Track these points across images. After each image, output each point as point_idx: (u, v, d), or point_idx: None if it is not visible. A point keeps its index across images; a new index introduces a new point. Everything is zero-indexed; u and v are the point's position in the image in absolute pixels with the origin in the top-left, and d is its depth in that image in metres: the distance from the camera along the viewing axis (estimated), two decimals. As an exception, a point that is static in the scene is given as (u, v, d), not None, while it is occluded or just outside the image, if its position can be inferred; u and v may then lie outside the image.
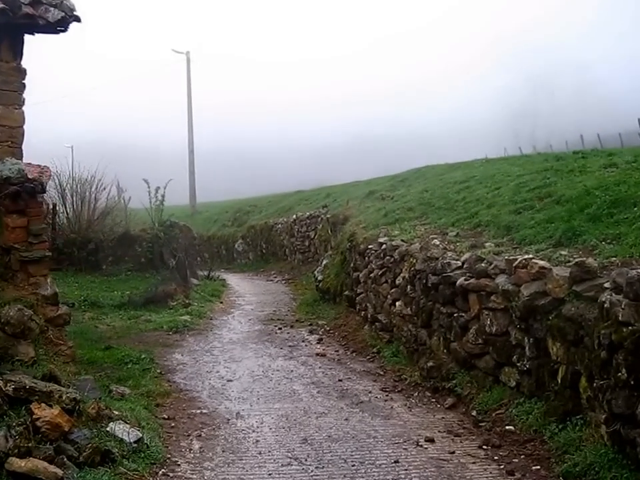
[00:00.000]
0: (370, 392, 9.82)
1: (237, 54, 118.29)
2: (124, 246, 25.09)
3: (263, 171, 56.39)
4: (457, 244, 10.97)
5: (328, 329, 14.70)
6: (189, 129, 47.21)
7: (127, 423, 7.28)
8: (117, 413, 7.58)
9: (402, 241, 12.15)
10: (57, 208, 26.59)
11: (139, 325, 15.47)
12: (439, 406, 9.06)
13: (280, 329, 15.21)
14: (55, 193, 27.41)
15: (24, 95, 10.19)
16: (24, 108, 10.22)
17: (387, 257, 12.32)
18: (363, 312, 13.76)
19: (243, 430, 8.25)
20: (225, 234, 38.08)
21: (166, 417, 8.69)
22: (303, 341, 13.72)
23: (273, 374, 11.03)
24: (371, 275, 13.18)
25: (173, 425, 8.41)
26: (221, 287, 23.52)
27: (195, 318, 16.29)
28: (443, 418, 8.58)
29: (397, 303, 11.72)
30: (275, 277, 27.48)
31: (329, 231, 22.17)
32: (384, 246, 12.60)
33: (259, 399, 9.59)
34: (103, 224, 26.98)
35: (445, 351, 9.76)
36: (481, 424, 8.13)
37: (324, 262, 18.57)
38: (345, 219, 18.73)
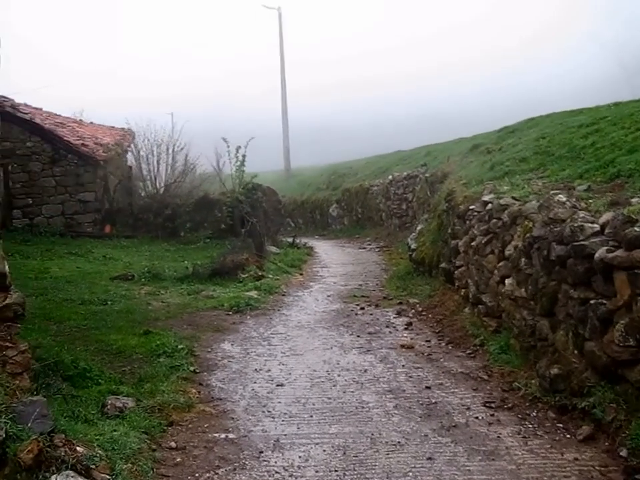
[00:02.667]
0: (468, 408, 6.99)
1: (330, 11, 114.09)
2: (203, 211, 23.06)
3: (362, 137, 53.24)
4: (590, 201, 7.94)
5: (420, 309, 11.89)
6: (282, 89, 44.77)
7: (85, 473, 4.74)
8: (81, 450, 5.04)
9: (513, 198, 9.17)
10: (132, 171, 24.69)
11: (198, 301, 13.20)
12: (568, 436, 6.15)
13: (362, 308, 12.52)
14: (131, 155, 25.56)
15: None
16: None
17: (494, 220, 9.38)
18: (463, 290, 10.87)
19: (277, 473, 5.60)
20: (319, 198, 35.56)
21: (173, 445, 6.12)
22: (387, 326, 10.98)
23: (339, 375, 8.34)
24: (473, 243, 10.24)
25: (177, 460, 5.84)
26: (305, 255, 21.04)
27: (264, 294, 13.87)
28: (576, 460, 5.67)
29: (507, 281, 8.78)
30: (369, 244, 24.79)
31: (428, 192, 19.26)
32: (489, 205, 9.65)
33: (312, 415, 6.92)
34: (181, 188, 24.98)
35: (575, 352, 6.79)
36: (637, 472, 5.24)
37: (418, 227, 15.71)
38: (444, 176, 15.76)
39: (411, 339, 10.02)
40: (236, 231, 19.61)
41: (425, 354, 9.17)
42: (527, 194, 9.16)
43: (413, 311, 11.85)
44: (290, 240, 23.26)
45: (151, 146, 25.19)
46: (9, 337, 5.45)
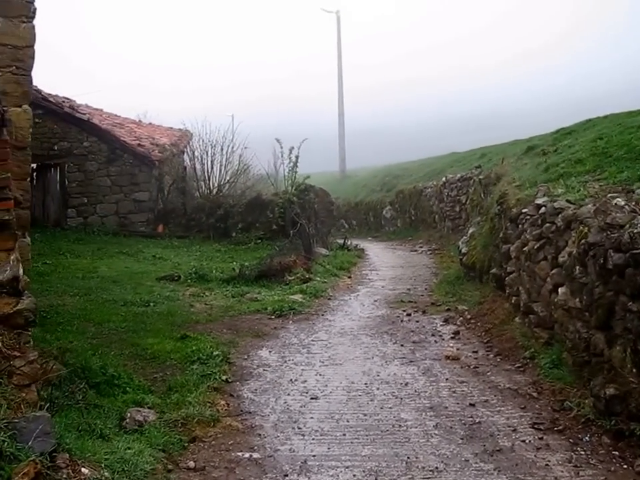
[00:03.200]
0: (514, 430, 6.46)
1: (389, 15, 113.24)
2: (255, 212, 22.75)
3: (416, 139, 52.51)
4: (652, 206, 7.35)
5: (468, 317, 11.34)
6: (339, 90, 44.39)
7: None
8: (85, 471, 4.69)
9: (568, 201, 8.58)
10: (187, 171, 24.57)
11: (241, 304, 12.90)
12: (624, 466, 5.58)
13: (408, 315, 12.03)
14: (186, 155, 25.48)
15: (35, 4, 7.38)
16: (35, 21, 7.41)
17: (547, 224, 8.80)
18: (514, 298, 10.28)
19: (300, 500, 5.18)
20: (372, 200, 35.05)
21: (192, 465, 5.72)
22: (433, 335, 10.47)
23: (378, 388, 7.87)
24: (525, 248, 9.65)
25: (194, 483, 5.46)
26: (355, 258, 20.59)
27: (309, 297, 13.51)
28: (633, 495, 5.14)
29: (560, 290, 8.19)
30: (421, 247, 24.21)
31: (481, 194, 18.59)
32: (542, 209, 9.07)
33: (344, 434, 6.47)
34: (234, 188, 24.75)
35: (634, 370, 6.21)
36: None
37: (470, 231, 15.12)
38: (497, 178, 15.12)
39: (457, 349, 9.49)
40: (287, 232, 19.32)
41: (471, 366, 8.65)
42: (582, 197, 8.56)
43: (461, 318, 11.32)
44: (341, 242, 22.83)
45: (206, 146, 25.00)
46: (17, 346, 5.12)
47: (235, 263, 17.31)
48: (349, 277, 16.90)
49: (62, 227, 22.42)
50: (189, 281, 15.07)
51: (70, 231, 22.16)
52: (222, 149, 24.54)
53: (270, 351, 9.64)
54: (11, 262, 5.28)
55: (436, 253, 21.86)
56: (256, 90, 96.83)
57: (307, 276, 15.42)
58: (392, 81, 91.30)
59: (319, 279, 15.74)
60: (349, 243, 22.88)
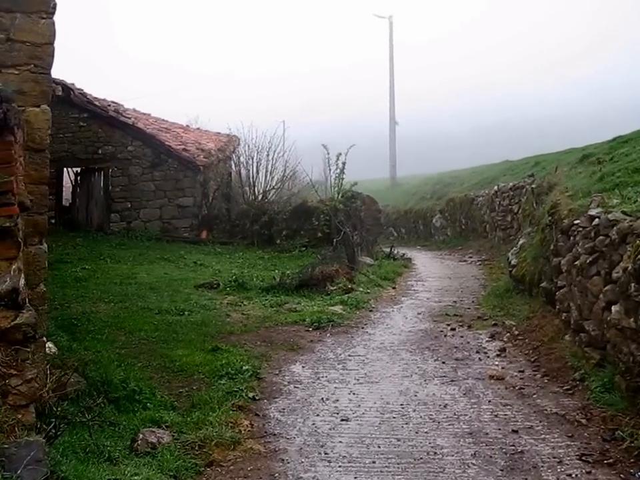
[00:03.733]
0: (560, 461, 5.88)
1: (442, 21, 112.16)
2: (300, 219, 22.39)
3: (468, 145, 51.67)
4: None
5: (516, 333, 10.72)
6: (390, 96, 43.77)
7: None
8: (83, 504, 4.27)
9: (623, 213, 7.95)
10: (232, 177, 24.29)
11: (279, 315, 12.50)
12: (682, 509, 5.01)
13: (453, 329, 11.46)
14: (232, 161, 25.22)
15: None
16: (55, 17, 7.04)
17: (600, 237, 8.16)
18: (564, 314, 9.64)
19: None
20: (422, 208, 34.38)
21: (204, 495, 5.29)
22: (478, 351, 9.89)
23: (414, 410, 7.35)
24: (576, 262, 9.01)
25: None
26: (402, 267, 20.01)
27: (349, 309, 13.05)
28: None
29: (613, 308, 7.55)
30: (471, 257, 23.51)
31: (533, 204, 17.90)
32: (596, 221, 8.44)
33: (374, 461, 5.96)
34: (279, 194, 24.41)
35: (694, 400, 5.60)
36: None
37: (520, 241, 14.46)
38: (550, 187, 14.45)
39: (503, 368, 8.92)
40: (332, 240, 18.82)
41: (517, 387, 8.07)
42: (639, 208, 7.94)
43: (508, 334, 10.71)
44: (388, 250, 22.27)
45: (251, 152, 24.72)
46: (14, 363, 4.73)
47: (276, 271, 16.92)
48: (393, 288, 16.36)
49: (105, 232, 22.30)
50: (227, 289, 14.73)
51: (113, 236, 22.04)
52: (267, 155, 24.22)
53: (303, 366, 9.19)
54: (12, 272, 4.89)
55: (485, 263, 21.17)
56: (307, 96, 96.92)
57: (350, 286, 14.94)
58: (444, 85, 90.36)
59: (361, 289, 15.25)
60: (395, 252, 22.28)
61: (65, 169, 23.14)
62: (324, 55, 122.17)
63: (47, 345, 9.01)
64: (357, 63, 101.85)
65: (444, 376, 8.61)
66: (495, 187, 24.77)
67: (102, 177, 22.90)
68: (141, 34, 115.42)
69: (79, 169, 23.14)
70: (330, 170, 21.48)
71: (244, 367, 8.72)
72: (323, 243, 20.14)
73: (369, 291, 15.26)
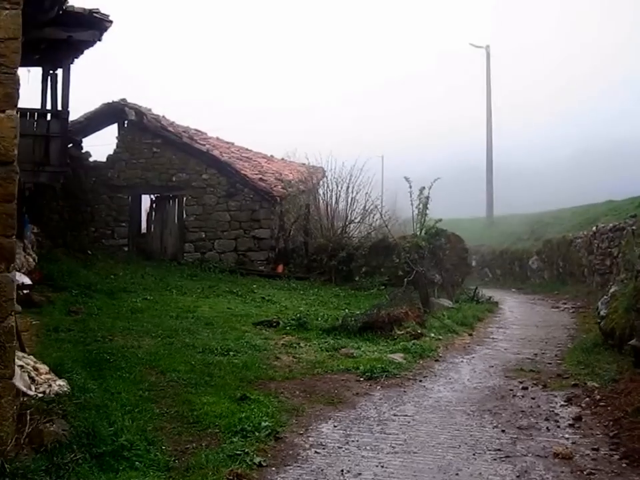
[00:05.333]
0: None
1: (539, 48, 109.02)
2: (380, 255, 21.22)
3: (568, 180, 49.26)
4: None
5: (597, 397, 9.10)
6: (488, 131, 42.05)
7: None
8: None
9: None
10: (309, 209, 23.25)
11: (333, 360, 11.39)
12: None
13: (525, 388, 9.94)
14: (309, 194, 24.20)
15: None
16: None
17: None
18: (654, 380, 8.06)
19: None
20: (518, 248, 32.59)
21: None
22: (547, 419, 8.34)
23: (450, 495, 5.95)
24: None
25: None
26: (485, 312, 18.49)
27: (411, 357, 11.74)
28: None
29: None
30: (565, 303, 21.68)
31: (634, 247, 16.13)
32: None
33: None
34: (359, 229, 23.25)
35: None
36: None
37: (612, 289, 12.76)
38: (650, 228, 12.80)
39: (573, 443, 7.37)
40: (414, 279, 17.47)
41: (585, 472, 6.51)
42: None
43: (588, 399, 9.09)
44: (478, 293, 20.70)
45: (330, 184, 23.69)
46: None
47: (347, 311, 15.73)
48: (470, 335, 14.86)
49: (178, 262, 21.64)
50: (287, 328, 13.71)
51: (186, 266, 21.36)
52: (347, 188, 23.09)
53: (335, 425, 7.88)
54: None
55: (580, 311, 19.36)
56: (403, 127, 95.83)
57: (419, 331, 13.56)
58: (544, 115, 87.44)
59: (433, 334, 13.85)
60: (481, 294, 20.69)
61: (141, 195, 22.62)
62: (423, 89, 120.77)
63: (58, 383, 8.11)
64: (453, 95, 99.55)
65: (499, 449, 7.13)
66: (594, 228, 22.92)
67: (176, 205, 22.31)
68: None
69: (153, 197, 22.58)
70: (412, 205, 20.18)
71: (263, 423, 7.51)
72: (409, 281, 18.81)
73: (440, 337, 13.85)
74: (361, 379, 10.20)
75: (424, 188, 19.89)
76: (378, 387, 9.79)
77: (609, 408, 8.57)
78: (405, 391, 9.63)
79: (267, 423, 7.54)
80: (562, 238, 27.50)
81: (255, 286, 19.57)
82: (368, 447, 7.14)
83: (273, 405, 8.48)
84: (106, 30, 15.37)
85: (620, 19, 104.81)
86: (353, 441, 7.32)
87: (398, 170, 21.72)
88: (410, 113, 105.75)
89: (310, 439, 7.36)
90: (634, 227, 17.20)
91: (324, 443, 7.22)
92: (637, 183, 30.52)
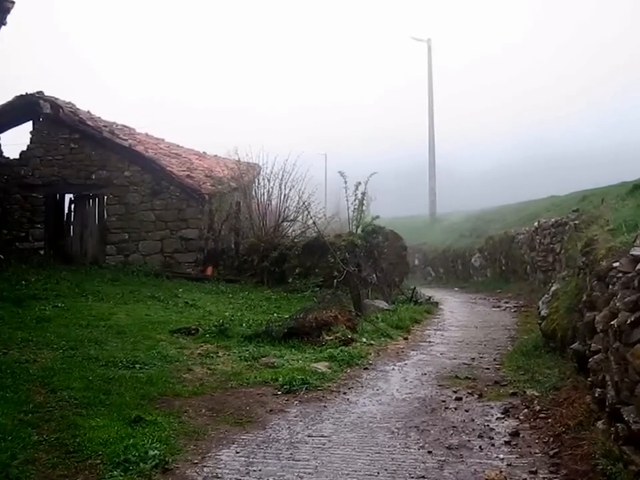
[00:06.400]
0: None
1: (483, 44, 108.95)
2: (314, 255, 20.09)
3: (512, 179, 48.89)
4: None
5: (537, 408, 8.16)
6: (429, 125, 41.35)
7: None
8: None
9: (682, 253, 5.49)
10: (240, 207, 22.09)
11: (252, 371, 10.34)
12: None
13: (459, 399, 8.98)
14: (242, 191, 23.04)
15: None
16: None
17: None
18: (598, 390, 7.07)
19: None
20: (461, 246, 31.97)
21: None
22: (481, 436, 7.34)
23: (357, 542, 4.91)
24: (614, 321, 6.47)
25: None
26: (423, 313, 17.58)
27: (337, 366, 10.74)
28: None
29: (666, 395, 5.08)
30: (507, 302, 20.96)
31: (576, 243, 15.38)
32: None
33: None
34: (292, 228, 22.20)
35: None
36: None
37: (553, 288, 11.91)
38: (591, 222, 11.94)
39: (509, 465, 6.39)
40: (349, 280, 16.48)
41: (521, 503, 5.55)
42: None
43: (527, 410, 8.15)
44: (415, 294, 19.78)
45: (263, 181, 22.57)
46: None
47: (275, 315, 14.70)
48: (405, 339, 13.89)
49: (100, 265, 20.29)
50: (207, 335, 12.65)
51: (107, 270, 20.04)
52: (280, 184, 22.00)
53: (238, 451, 6.79)
54: None
55: (522, 310, 18.61)
56: (345, 126, 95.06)
57: (349, 336, 12.57)
58: (486, 114, 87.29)
59: (364, 339, 12.87)
60: (419, 294, 19.78)
61: (59, 195, 21.20)
62: (361, 83, 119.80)
63: None
64: (396, 89, 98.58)
65: (422, 476, 6.11)
66: (535, 223, 22.25)
67: (97, 205, 20.94)
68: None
69: (71, 196, 21.19)
70: (348, 201, 19.24)
71: (151, 452, 6.40)
72: (341, 282, 17.83)
73: (372, 342, 12.88)
74: (279, 393, 9.16)
75: (360, 184, 19.03)
76: (295, 402, 8.74)
77: (549, 420, 7.63)
78: (325, 406, 8.59)
79: (155, 452, 6.42)
80: (504, 234, 26.89)
81: (180, 290, 18.43)
82: (271, 478, 6.06)
83: (172, 427, 7.40)
84: (8, 12, 14.02)
85: (566, 16, 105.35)
86: (254, 471, 6.24)
87: (345, 168, 20.79)
88: (359, 109, 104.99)
89: (205, 469, 6.26)
90: (576, 222, 16.45)
91: (220, 475, 6.13)
92: (580, 180, 30.10)
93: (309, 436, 7.34)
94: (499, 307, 20.11)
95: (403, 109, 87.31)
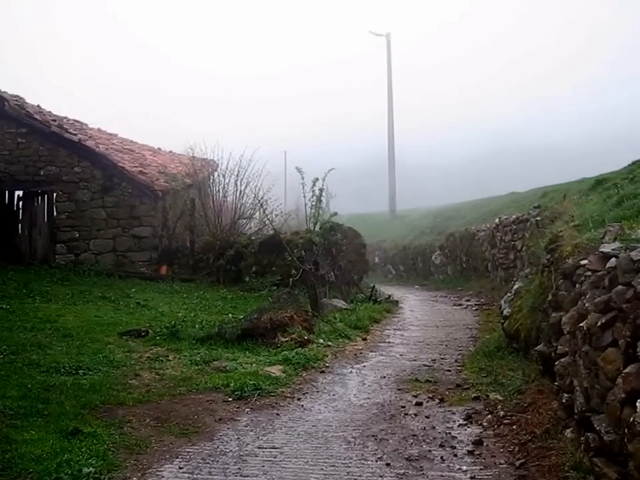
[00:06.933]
0: None
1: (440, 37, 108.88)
2: (271, 253, 19.60)
3: (472, 175, 48.86)
4: None
5: (501, 414, 7.76)
6: (389, 121, 40.93)
7: None
8: None
9: (656, 250, 5.10)
10: (195, 204, 21.50)
11: (202, 376, 9.87)
12: None
13: (419, 404, 8.56)
14: (198, 188, 22.41)
15: None
16: None
17: (619, 287, 5.23)
18: (566, 395, 6.68)
19: None
20: (421, 243, 31.62)
21: None
22: (443, 445, 6.90)
23: None
24: (583, 323, 6.07)
25: None
26: (383, 312, 17.15)
27: (292, 369, 10.29)
28: None
29: (639, 403, 4.66)
30: (468, 300, 20.62)
31: (538, 239, 15.10)
32: (612, 261, 5.51)
33: None
34: (249, 225, 21.68)
35: None
36: None
37: (515, 286, 11.55)
38: (554, 218, 11.60)
39: (472, 478, 5.96)
40: (307, 278, 15.98)
41: (486, 522, 5.12)
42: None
43: (490, 416, 7.74)
44: (375, 292, 19.34)
45: (219, 177, 22.01)
46: None
47: (230, 315, 14.20)
48: (364, 339, 13.45)
49: (49, 265, 19.53)
50: (157, 338, 12.14)
51: (57, 270, 19.33)
52: (237, 180, 21.46)
53: (181, 467, 6.27)
54: None
55: (483, 308, 18.28)
56: (305, 121, 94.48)
57: (306, 337, 12.11)
58: (447, 109, 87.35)
59: (321, 340, 12.41)
60: (379, 293, 19.36)
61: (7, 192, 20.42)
62: (321, 76, 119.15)
63: None
64: (357, 85, 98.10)
65: (381, 495, 5.68)
66: (497, 220, 21.94)
67: (46, 202, 20.17)
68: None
69: (20, 193, 20.42)
70: (305, 197, 18.74)
71: (85, 469, 5.87)
72: (297, 280, 17.34)
73: (330, 343, 12.42)
74: (230, 399, 8.68)
75: (317, 180, 18.52)
76: (247, 410, 8.25)
77: (514, 427, 7.23)
78: (277, 414, 8.11)
79: (90, 469, 5.89)
80: (465, 231, 26.60)
81: (133, 290, 17.84)
82: (210, 499, 5.58)
83: (112, 439, 6.87)
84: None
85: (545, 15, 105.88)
86: (191, 490, 5.74)
87: (306, 165, 20.23)
88: (320, 105, 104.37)
89: (134, 494, 5.75)
90: (538, 218, 16.16)
91: (154, 496, 5.63)
92: (541, 175, 30.01)
93: (259, 448, 6.85)
94: (460, 305, 19.77)
95: (366, 104, 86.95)
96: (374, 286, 19.84)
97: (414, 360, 11.49)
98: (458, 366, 10.87)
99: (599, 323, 5.45)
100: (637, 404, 4.62)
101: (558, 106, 77.66)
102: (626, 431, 4.81)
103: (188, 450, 6.76)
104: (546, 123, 65.57)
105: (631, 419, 4.70)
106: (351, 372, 10.53)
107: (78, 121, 23.70)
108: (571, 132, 56.34)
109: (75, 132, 20.75)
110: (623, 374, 4.90)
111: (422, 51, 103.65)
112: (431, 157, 60.49)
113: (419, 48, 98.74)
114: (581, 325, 5.95)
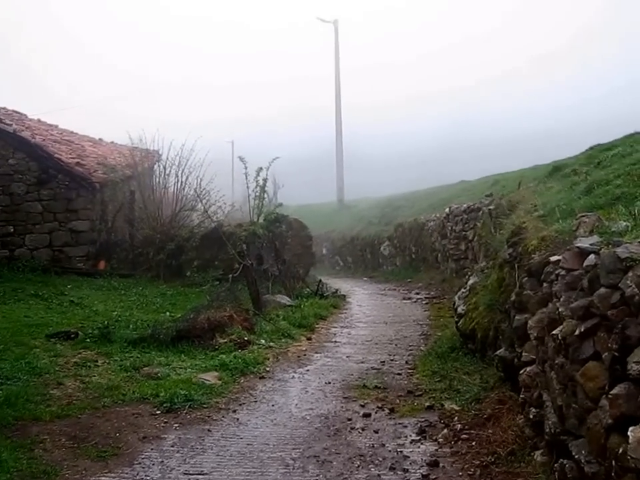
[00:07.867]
0: None
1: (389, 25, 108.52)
2: (213, 247, 18.67)
3: (421, 165, 48.41)
4: None
5: (458, 427, 6.97)
6: (337, 111, 40.10)
7: None
8: None
9: (642, 245, 4.35)
10: (135, 197, 20.42)
11: (131, 384, 9.02)
12: None
13: (367, 415, 7.76)
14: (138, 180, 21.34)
15: None
16: None
17: (602, 290, 4.45)
18: (533, 410, 5.89)
19: None
20: (370, 234, 30.83)
21: None
22: (393, 467, 6.08)
23: None
24: (557, 330, 5.26)
25: None
26: (330, 308, 16.33)
27: (229, 375, 9.48)
28: None
29: (631, 432, 3.87)
30: (418, 293, 19.90)
31: (491, 229, 14.37)
32: (591, 259, 4.72)
33: None
34: (190, 218, 20.71)
35: None
36: None
37: (470, 281, 10.79)
38: (513, 207, 10.84)
39: (428, 511, 5.17)
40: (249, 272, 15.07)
41: None
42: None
43: (446, 430, 6.95)
44: (321, 287, 18.51)
45: (160, 168, 20.99)
46: None
47: (168, 314, 13.28)
48: (309, 339, 12.61)
49: (-19, 261, 18.33)
50: (87, 340, 11.12)
51: (-10, 266, 18.12)
52: (178, 171, 20.47)
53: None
54: None
55: (434, 302, 17.56)
56: (251, 109, 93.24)
57: (246, 338, 11.26)
58: (395, 99, 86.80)
59: (263, 341, 11.55)
60: (326, 287, 18.55)
61: None
62: (270, 66, 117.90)
63: None
64: (305, 72, 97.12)
65: (321, 533, 4.84)
66: (447, 210, 21.26)
67: (-24, 196, 18.95)
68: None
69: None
70: (249, 188, 17.85)
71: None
72: (241, 275, 16.44)
73: (272, 344, 11.56)
74: (158, 412, 7.80)
75: (261, 169, 17.63)
76: (175, 425, 7.36)
77: (473, 444, 6.44)
78: (209, 430, 7.23)
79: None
80: (414, 222, 25.90)
81: (69, 287, 16.73)
82: None
83: (18, 466, 5.98)
84: None
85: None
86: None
87: (253, 155, 19.22)
88: (269, 95, 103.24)
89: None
90: (490, 207, 15.47)
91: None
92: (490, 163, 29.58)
93: (185, 474, 5.97)
94: (409, 298, 19.01)
95: (320, 94, 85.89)
96: (320, 280, 19.02)
97: (362, 362, 10.68)
98: (409, 368, 10.08)
99: (577, 332, 4.67)
100: (629, 433, 3.84)
101: (527, 99, 77.88)
102: (613, 463, 4.03)
103: (102, 478, 5.85)
104: (515, 116, 65.33)
105: (620, 450, 3.93)
106: (293, 377, 9.69)
107: (17, 112, 22.60)
108: (538, 123, 56.36)
109: (11, 122, 19.56)
110: (609, 395, 4.12)
111: (392, 42, 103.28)
112: (388, 148, 59.83)
113: (391, 39, 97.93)
114: (553, 332, 5.16)
